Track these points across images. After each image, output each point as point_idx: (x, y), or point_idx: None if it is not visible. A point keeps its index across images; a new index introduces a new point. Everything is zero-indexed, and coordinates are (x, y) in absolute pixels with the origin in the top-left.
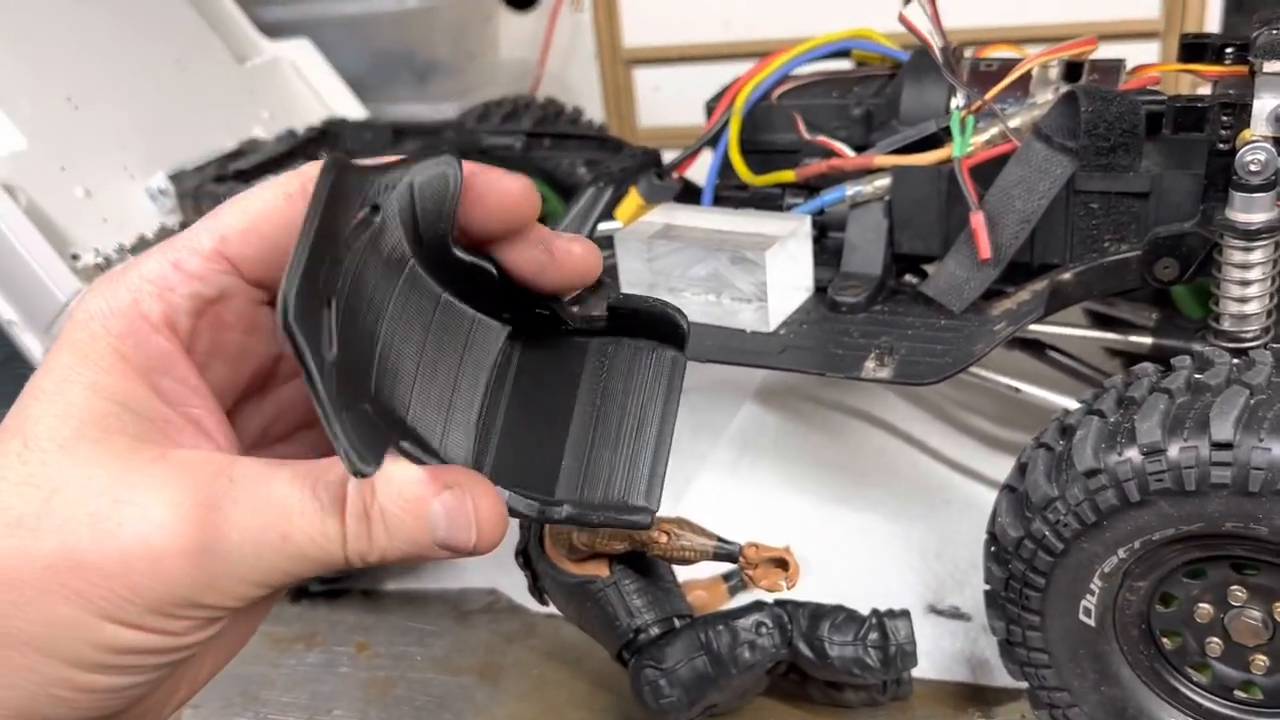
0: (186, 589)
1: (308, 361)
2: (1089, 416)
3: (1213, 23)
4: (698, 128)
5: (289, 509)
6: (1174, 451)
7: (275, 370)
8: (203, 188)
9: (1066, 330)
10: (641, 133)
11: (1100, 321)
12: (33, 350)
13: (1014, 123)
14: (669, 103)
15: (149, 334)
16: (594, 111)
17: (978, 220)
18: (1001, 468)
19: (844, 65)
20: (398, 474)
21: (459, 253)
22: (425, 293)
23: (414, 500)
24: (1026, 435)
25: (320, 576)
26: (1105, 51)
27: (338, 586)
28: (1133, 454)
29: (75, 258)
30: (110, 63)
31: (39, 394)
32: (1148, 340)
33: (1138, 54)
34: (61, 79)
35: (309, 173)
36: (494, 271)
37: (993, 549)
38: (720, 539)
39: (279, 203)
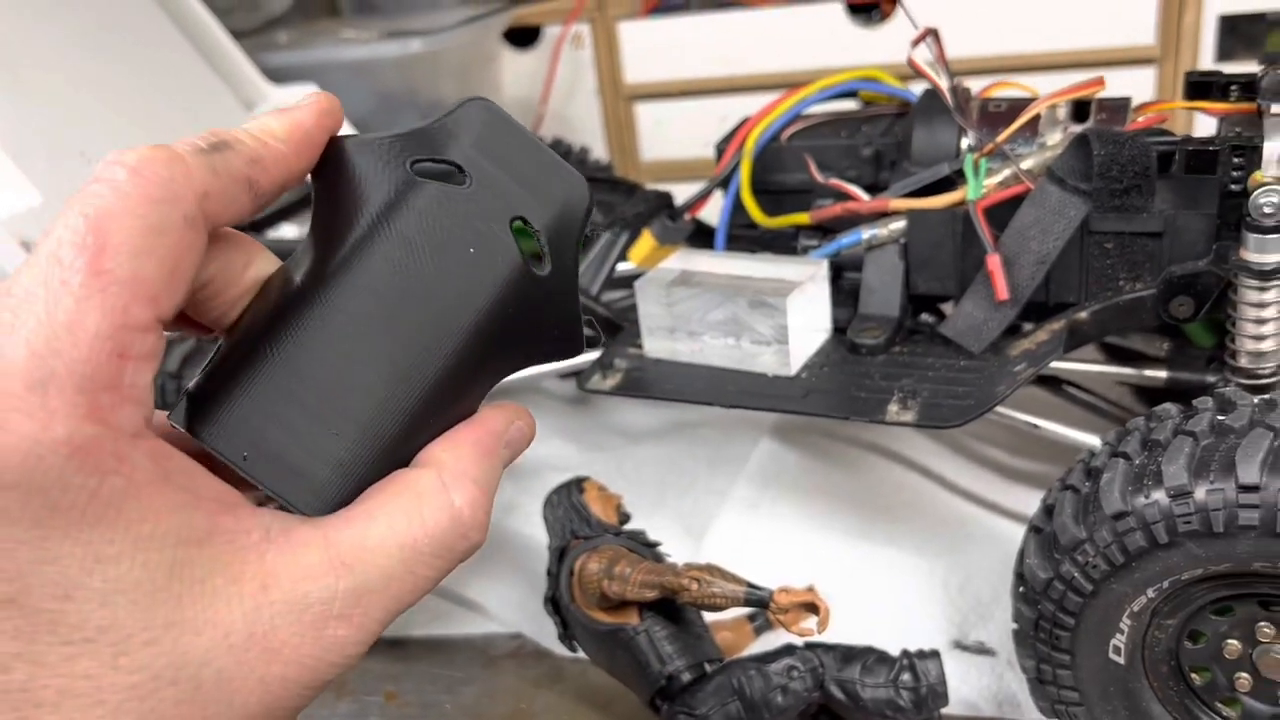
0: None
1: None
2: (1115, 459)
3: (1208, 49)
4: (700, 160)
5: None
6: (1201, 494)
7: None
8: None
9: (1082, 366)
10: (644, 166)
11: (1112, 352)
12: None
13: (1026, 164)
14: (671, 137)
15: (141, 447)
16: (597, 146)
17: (994, 262)
18: (1020, 500)
19: (850, 104)
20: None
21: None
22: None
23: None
24: (1044, 467)
25: None
26: (1102, 76)
27: None
28: (1160, 496)
29: None
30: (122, 115)
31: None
32: (1163, 374)
33: (1134, 81)
34: (75, 133)
35: (201, 182)
36: None
37: (1021, 589)
38: (750, 585)
39: (186, 236)
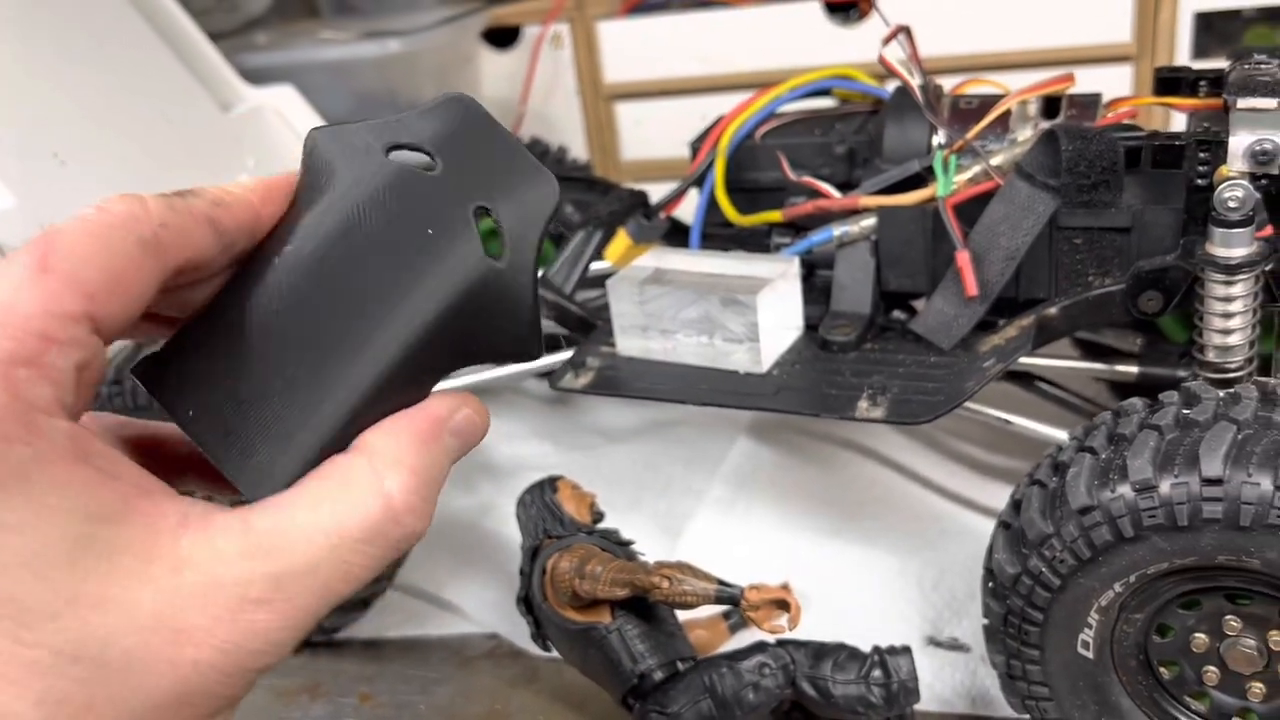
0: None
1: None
2: (1081, 454)
3: (1183, 46)
4: (680, 160)
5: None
6: (1165, 488)
7: None
8: None
9: (1054, 362)
10: (624, 166)
11: (1085, 347)
12: None
13: (996, 161)
14: (651, 136)
15: (58, 426)
16: (577, 146)
17: (963, 258)
18: (993, 495)
19: (825, 102)
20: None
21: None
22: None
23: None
24: (1017, 462)
25: (321, 625)
26: (1079, 75)
27: (339, 637)
28: (1125, 490)
29: None
30: (97, 117)
31: None
32: (1134, 369)
33: (1110, 78)
34: (47, 135)
35: (159, 215)
36: None
37: (990, 584)
38: (721, 582)
39: (136, 255)
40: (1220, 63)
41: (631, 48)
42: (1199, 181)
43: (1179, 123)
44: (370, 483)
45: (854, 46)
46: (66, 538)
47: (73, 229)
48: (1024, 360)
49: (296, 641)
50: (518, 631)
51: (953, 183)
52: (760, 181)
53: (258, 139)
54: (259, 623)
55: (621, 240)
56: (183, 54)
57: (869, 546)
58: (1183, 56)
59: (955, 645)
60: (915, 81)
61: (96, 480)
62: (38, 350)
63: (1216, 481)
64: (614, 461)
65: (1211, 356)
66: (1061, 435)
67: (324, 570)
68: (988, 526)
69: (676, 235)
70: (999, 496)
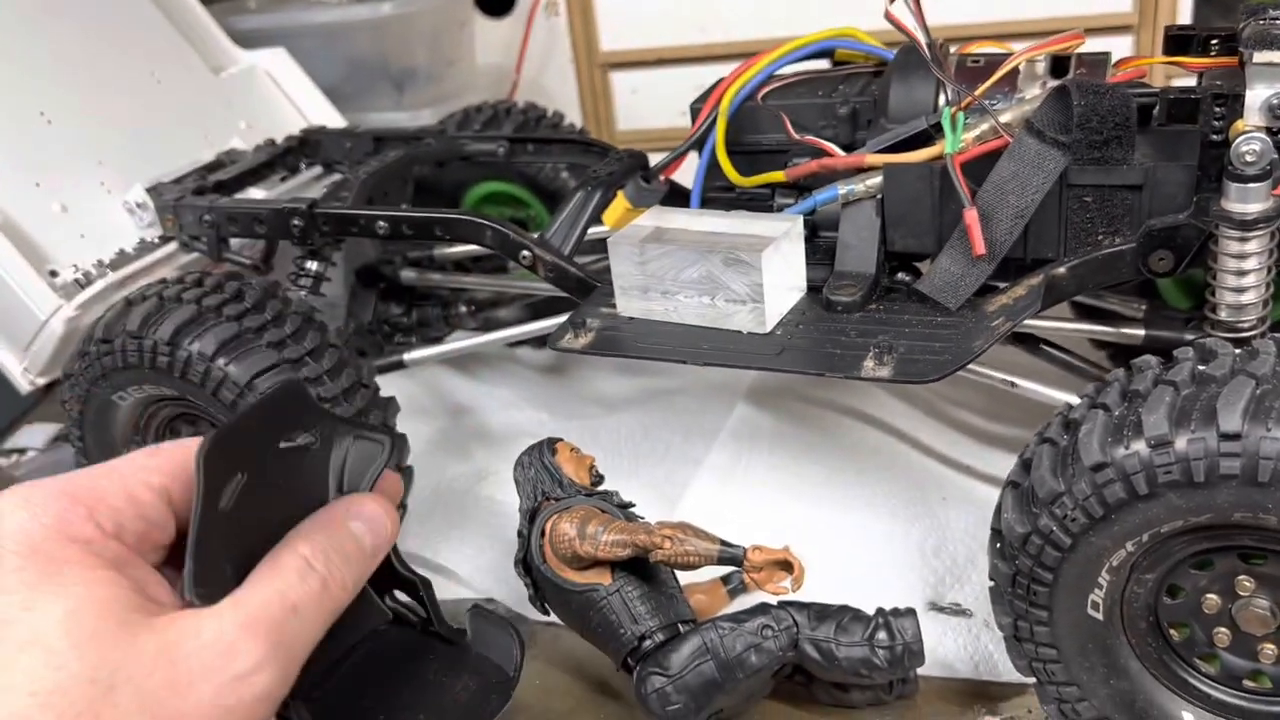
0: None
1: (200, 488)
2: (1094, 410)
3: (1184, 16)
4: (676, 130)
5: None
6: (1181, 443)
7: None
8: (182, 200)
9: (1058, 324)
10: (620, 136)
11: (1088, 313)
12: (11, 369)
13: (1004, 118)
14: (647, 105)
15: (112, 543)
16: (572, 115)
17: (971, 217)
18: (994, 462)
19: (823, 65)
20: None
21: None
22: None
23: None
24: (1018, 430)
25: None
26: (1081, 30)
27: None
28: (1140, 447)
29: (54, 274)
30: (84, 76)
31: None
32: (1140, 333)
33: (1111, 47)
34: (34, 93)
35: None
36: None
37: (998, 545)
38: (724, 542)
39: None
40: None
41: (628, 15)
42: (1214, 137)
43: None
44: (285, 552)
45: (853, 16)
46: (99, 600)
47: (183, 440)
48: (1029, 322)
49: (268, 670)
50: (513, 596)
51: (961, 140)
52: (762, 144)
53: (249, 102)
54: (236, 651)
55: (620, 203)
56: (173, 16)
57: (869, 512)
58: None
59: (957, 610)
60: (921, 39)
61: (131, 580)
62: (118, 499)
63: (1235, 436)
64: (611, 429)
65: (1224, 315)
66: (1067, 398)
67: (269, 610)
68: (989, 493)
69: (676, 199)
70: (999, 464)
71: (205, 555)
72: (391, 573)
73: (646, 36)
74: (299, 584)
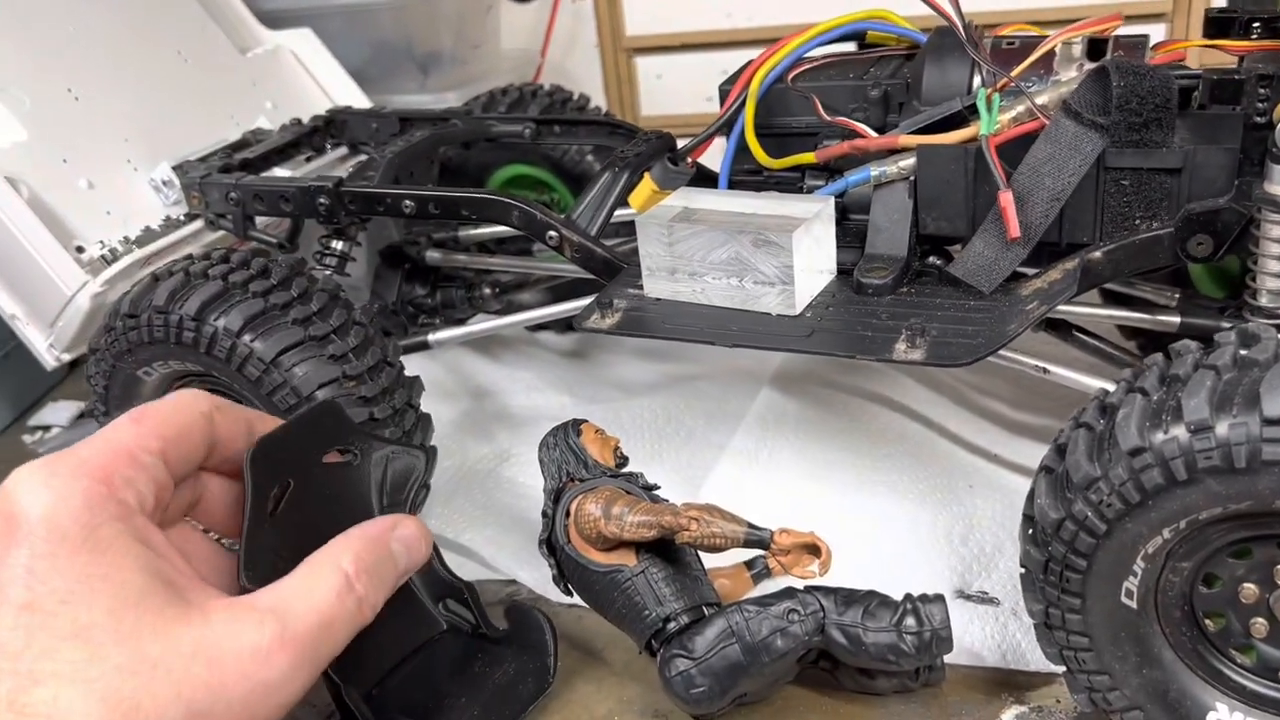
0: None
1: (249, 485)
2: (1132, 395)
3: (1218, 3)
4: (700, 115)
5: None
6: (1223, 429)
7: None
8: (209, 178)
9: (1093, 310)
10: (643, 121)
11: (1119, 301)
12: (37, 344)
13: (1040, 100)
14: (671, 91)
15: (136, 517)
16: (596, 100)
17: (1006, 199)
18: (1021, 451)
19: (848, 48)
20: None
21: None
22: None
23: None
24: (1044, 418)
25: None
26: (1119, 12)
27: None
28: (1179, 432)
29: (80, 250)
30: (111, 53)
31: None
32: (1175, 319)
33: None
34: (62, 70)
35: (217, 400)
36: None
37: (1030, 531)
38: (751, 525)
39: (200, 422)
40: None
41: (654, 0)
42: (1258, 119)
43: None
44: (330, 563)
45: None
46: (135, 589)
47: (159, 402)
48: (1061, 308)
49: (294, 680)
50: (535, 578)
51: (996, 122)
52: (791, 126)
53: (275, 82)
54: (270, 662)
55: (646, 185)
56: None
57: (895, 499)
58: None
59: (985, 598)
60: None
61: (157, 558)
62: (128, 468)
63: (1278, 422)
64: (633, 413)
65: (1265, 300)
66: (1099, 385)
67: (306, 626)
68: (1016, 481)
69: (703, 182)
70: (1026, 452)
71: (255, 548)
72: (440, 581)
73: (672, 21)
74: (337, 603)
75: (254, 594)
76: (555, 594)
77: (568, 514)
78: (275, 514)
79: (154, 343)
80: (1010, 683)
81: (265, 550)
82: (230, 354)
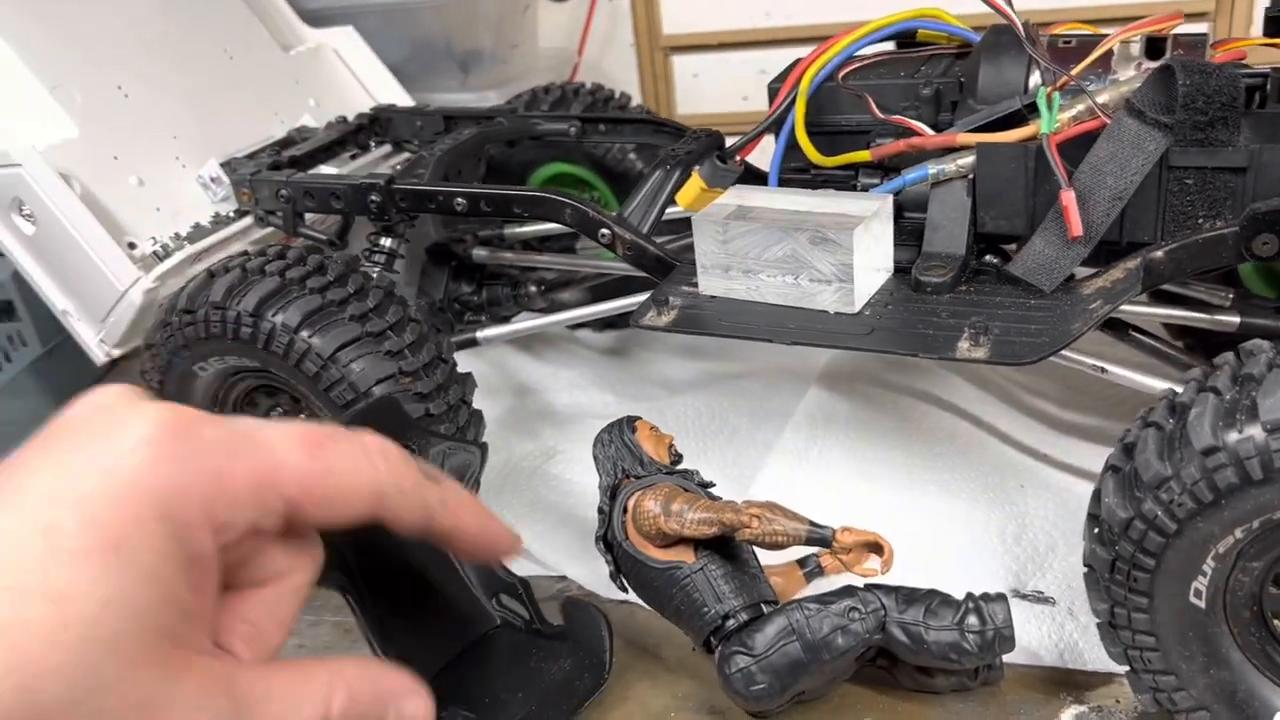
0: None
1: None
2: (1204, 394)
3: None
4: (736, 114)
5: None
6: None
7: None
8: (259, 175)
9: (1149, 310)
10: (679, 120)
11: (1170, 300)
12: (88, 340)
13: (1101, 99)
14: (707, 89)
15: (203, 533)
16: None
17: (1068, 198)
18: (1070, 451)
19: (888, 47)
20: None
21: None
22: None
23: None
24: (1095, 419)
25: None
26: (1179, 11)
27: None
28: (1255, 431)
29: (132, 246)
30: (159, 51)
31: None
32: (1235, 319)
33: None
34: (112, 68)
35: (385, 448)
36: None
37: (1096, 530)
38: (812, 523)
39: (364, 500)
40: None
41: None
42: None
43: None
44: (320, 691)
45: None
46: (141, 604)
47: (347, 442)
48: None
49: None
50: (586, 574)
51: (1056, 120)
52: (841, 124)
53: (318, 80)
54: None
55: (694, 183)
56: None
57: (948, 498)
58: (1260, 14)
59: (1040, 598)
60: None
61: (189, 592)
62: (247, 504)
63: None
64: (677, 412)
65: None
66: (1157, 384)
67: None
68: (1066, 481)
69: (750, 181)
70: (1075, 452)
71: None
72: (494, 577)
73: (709, 20)
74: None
75: (239, 671)
76: (606, 590)
77: (625, 510)
78: None
79: (211, 338)
80: (1069, 682)
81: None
82: (288, 349)
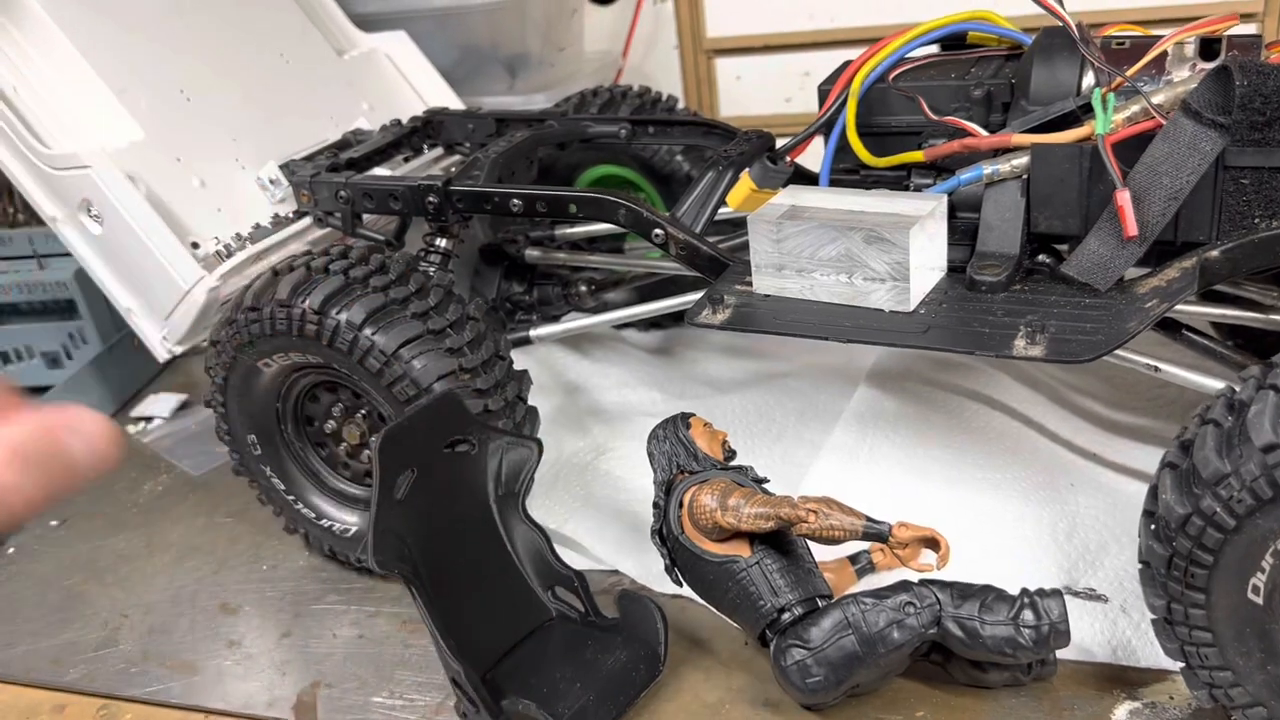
0: None
1: (378, 472)
2: (1264, 391)
3: None
4: (778, 116)
5: None
6: None
7: None
8: (318, 176)
9: (1203, 309)
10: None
11: (1219, 300)
12: (150, 338)
13: (1156, 99)
14: (751, 92)
15: None
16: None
17: (1124, 198)
18: (1120, 450)
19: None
20: None
21: (522, 514)
22: (489, 523)
23: None
24: (1142, 419)
25: None
26: (1235, 12)
27: None
28: None
29: (195, 246)
30: (219, 56)
31: None
32: None
33: None
34: (174, 72)
35: None
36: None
37: (1153, 527)
38: (869, 518)
39: None
40: None
41: (735, 1)
42: None
43: None
44: None
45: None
46: None
47: None
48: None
49: None
50: (638, 568)
51: (1111, 121)
52: (892, 125)
53: (371, 83)
54: None
55: (745, 184)
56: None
57: (998, 496)
58: None
59: (1092, 595)
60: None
61: None
62: None
63: None
64: (724, 410)
65: None
66: (1211, 383)
67: None
68: (1116, 480)
69: (800, 182)
70: (1125, 451)
71: (382, 530)
72: (550, 570)
73: (752, 23)
74: None
75: None
76: (658, 584)
77: (681, 505)
78: (399, 500)
79: (276, 335)
80: (1121, 679)
81: (390, 533)
82: (352, 347)
